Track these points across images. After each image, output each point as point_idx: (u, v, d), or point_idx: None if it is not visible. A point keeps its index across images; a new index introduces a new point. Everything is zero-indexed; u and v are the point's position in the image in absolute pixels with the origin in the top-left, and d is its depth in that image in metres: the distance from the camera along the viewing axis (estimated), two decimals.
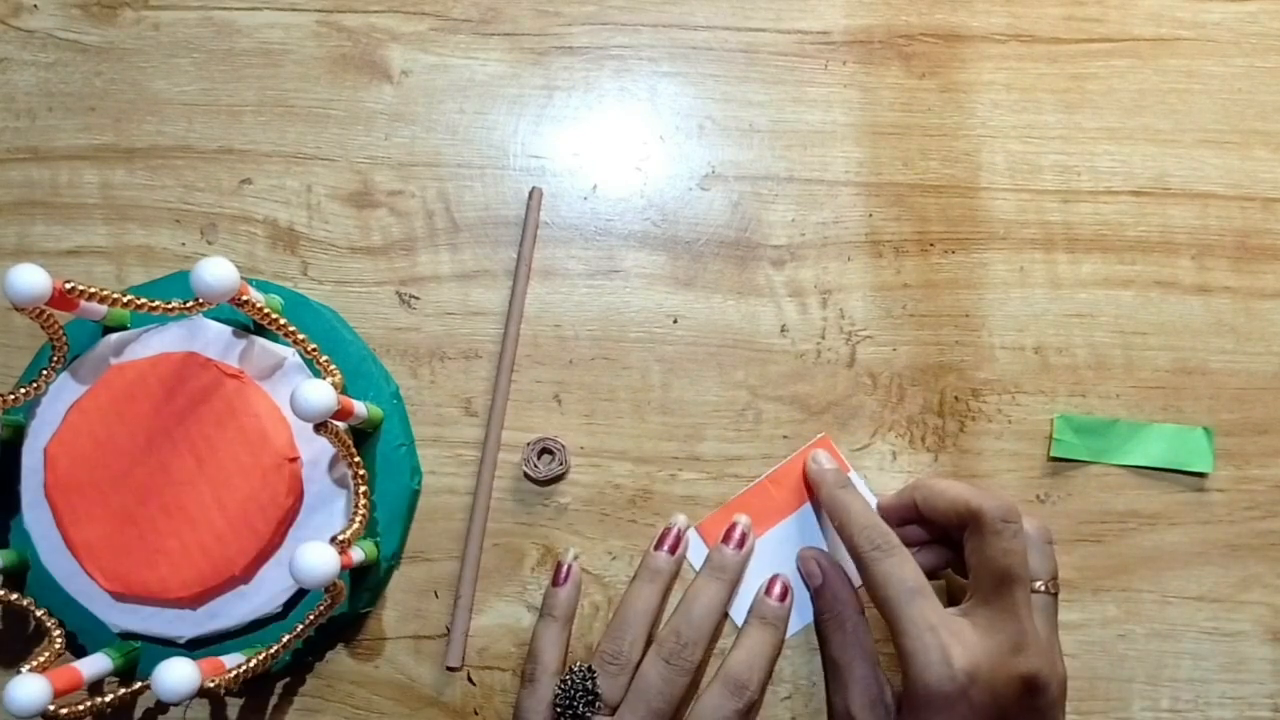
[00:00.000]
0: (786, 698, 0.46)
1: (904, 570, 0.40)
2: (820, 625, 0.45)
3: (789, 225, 0.50)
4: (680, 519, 0.46)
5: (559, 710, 0.42)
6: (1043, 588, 0.41)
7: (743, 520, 0.46)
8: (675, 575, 0.46)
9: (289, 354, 0.45)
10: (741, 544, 0.46)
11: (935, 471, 0.48)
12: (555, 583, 0.45)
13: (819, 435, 0.48)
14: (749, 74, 0.51)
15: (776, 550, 0.47)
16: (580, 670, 0.42)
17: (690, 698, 0.43)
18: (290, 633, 0.41)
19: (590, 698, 0.42)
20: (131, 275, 0.49)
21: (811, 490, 0.47)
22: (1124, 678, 0.46)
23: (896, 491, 0.46)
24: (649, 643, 0.44)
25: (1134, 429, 0.48)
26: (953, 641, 0.38)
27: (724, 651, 0.45)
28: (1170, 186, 0.50)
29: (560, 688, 0.42)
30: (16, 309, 0.39)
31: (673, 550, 0.45)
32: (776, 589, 0.45)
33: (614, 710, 0.42)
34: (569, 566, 0.46)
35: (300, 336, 0.43)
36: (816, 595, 0.45)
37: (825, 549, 0.47)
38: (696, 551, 0.47)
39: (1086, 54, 0.51)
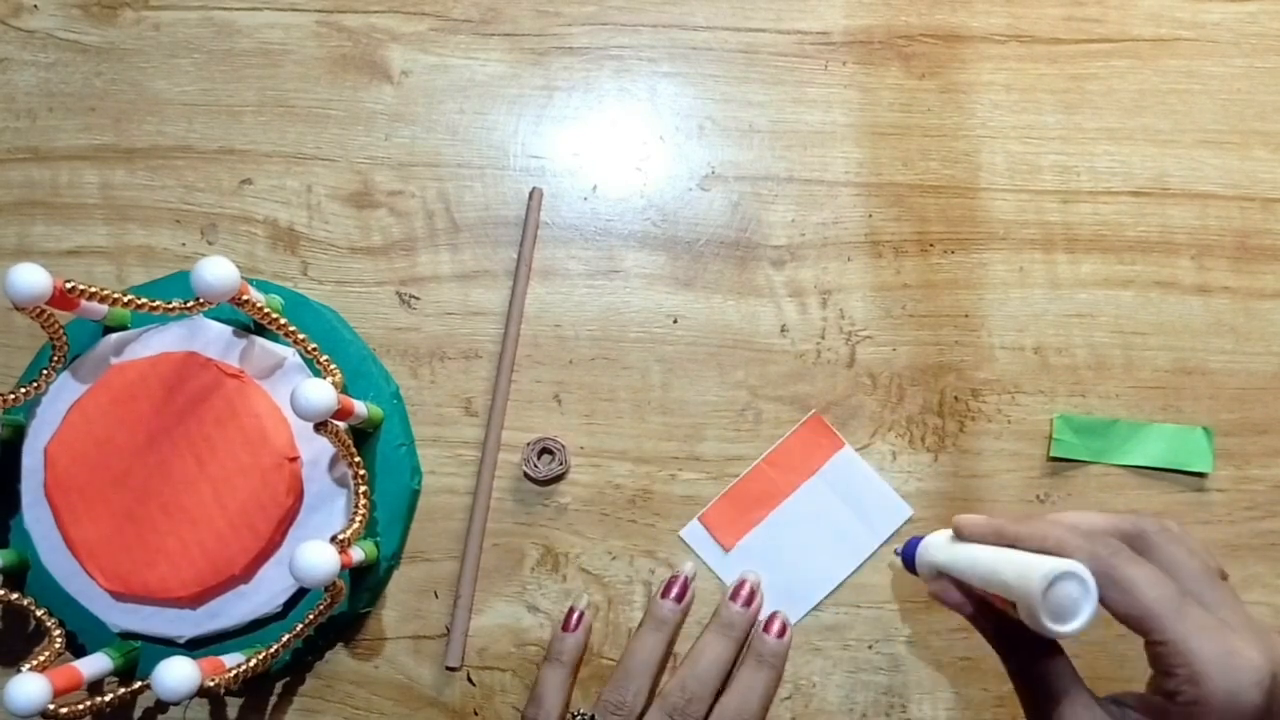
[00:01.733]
0: (787, 698, 0.46)
1: (1157, 573, 0.34)
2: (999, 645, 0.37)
3: (789, 225, 0.50)
4: (688, 567, 0.46)
5: None
6: (1222, 578, 0.36)
7: (751, 578, 0.46)
8: (680, 624, 0.46)
9: (289, 354, 0.45)
10: (749, 602, 0.45)
11: (936, 473, 0.48)
12: (565, 628, 0.45)
13: (810, 414, 0.48)
14: (749, 74, 0.51)
15: (777, 534, 0.47)
16: (581, 718, 0.42)
17: None
18: (290, 632, 0.41)
19: None
20: (132, 275, 0.49)
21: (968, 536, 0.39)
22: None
23: (995, 533, 0.38)
24: (653, 690, 0.44)
25: (1134, 429, 0.48)
26: (1244, 644, 0.32)
27: None
28: (1170, 187, 0.50)
29: None
30: (17, 308, 0.39)
31: (679, 599, 0.45)
32: (775, 626, 0.45)
33: None
34: (580, 614, 0.46)
35: (300, 336, 0.43)
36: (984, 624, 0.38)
37: (828, 531, 0.46)
38: (699, 542, 0.47)
39: (1086, 54, 0.51)
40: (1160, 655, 0.33)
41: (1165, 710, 0.33)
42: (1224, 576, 0.36)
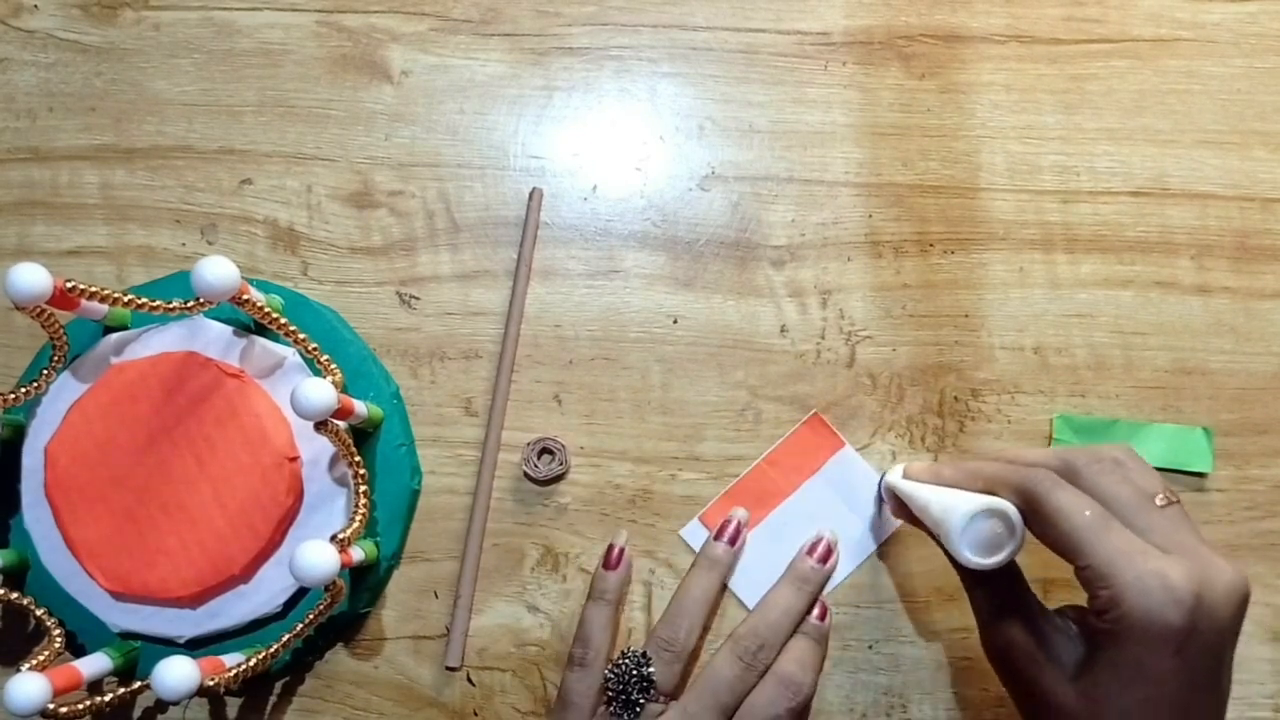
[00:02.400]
0: None
1: (1083, 500, 0.35)
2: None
3: (789, 225, 0.50)
4: (740, 512, 0.46)
5: (610, 695, 0.42)
6: (1163, 501, 0.36)
7: (828, 535, 0.46)
8: (733, 567, 0.46)
9: (289, 353, 0.45)
10: (825, 559, 0.45)
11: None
12: (607, 565, 0.45)
13: (811, 413, 0.48)
14: (749, 74, 0.51)
15: (779, 532, 0.47)
16: (635, 656, 0.42)
17: None
18: (290, 632, 0.41)
19: (645, 684, 0.41)
20: (132, 275, 0.49)
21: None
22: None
23: (932, 474, 0.42)
24: (704, 630, 0.44)
25: (1134, 429, 0.48)
26: (1167, 566, 0.33)
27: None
28: (1169, 187, 0.50)
29: (612, 672, 0.42)
30: (17, 308, 0.39)
31: (732, 542, 0.45)
32: (816, 610, 0.45)
33: (667, 697, 0.42)
34: (621, 549, 0.45)
35: (301, 336, 0.43)
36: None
37: (827, 527, 0.47)
38: (699, 541, 0.47)
39: (1086, 54, 0.51)
40: (1085, 579, 0.34)
41: (1094, 628, 0.35)
42: (1172, 501, 0.36)
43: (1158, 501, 0.36)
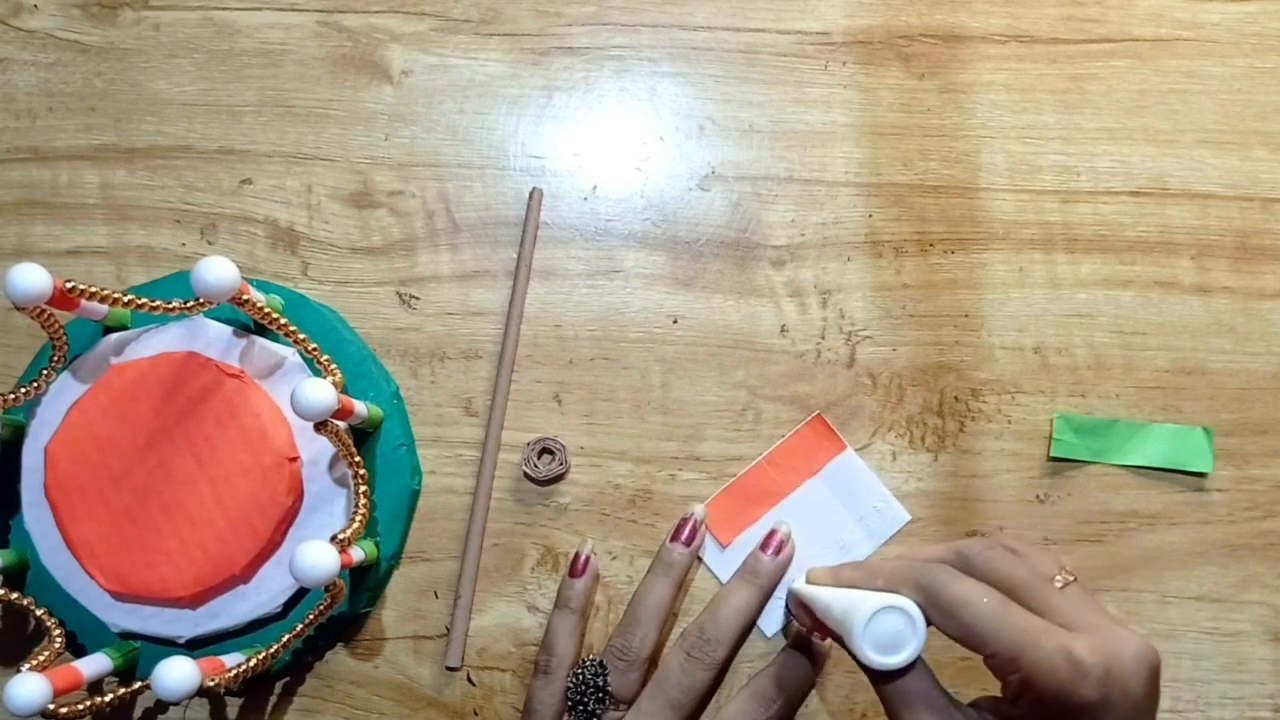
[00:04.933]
0: None
1: (980, 588, 0.35)
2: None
3: (789, 225, 0.50)
4: (698, 509, 0.46)
5: (570, 703, 0.42)
6: (1061, 582, 0.36)
7: (783, 529, 0.46)
8: (688, 569, 0.46)
9: (289, 354, 0.45)
10: (779, 551, 0.45)
11: (936, 473, 0.48)
12: (572, 574, 0.45)
13: (813, 414, 0.48)
14: (749, 74, 0.51)
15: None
16: (591, 665, 0.42)
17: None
18: (290, 632, 0.41)
19: (600, 694, 0.42)
20: (132, 275, 0.49)
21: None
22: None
23: (832, 570, 0.42)
24: (662, 638, 0.44)
25: (1134, 429, 0.48)
26: (1071, 641, 0.33)
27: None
28: (1170, 187, 0.50)
29: (572, 681, 0.42)
30: (17, 308, 0.39)
31: (688, 542, 0.45)
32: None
33: (625, 704, 0.42)
34: (586, 557, 0.45)
35: (301, 336, 0.43)
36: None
37: (826, 532, 0.46)
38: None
39: (1086, 54, 0.51)
40: (993, 666, 0.34)
41: (1009, 714, 0.34)
42: (1070, 580, 0.36)
43: (1056, 583, 0.35)
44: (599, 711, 0.42)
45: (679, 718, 0.41)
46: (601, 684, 0.42)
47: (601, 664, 0.42)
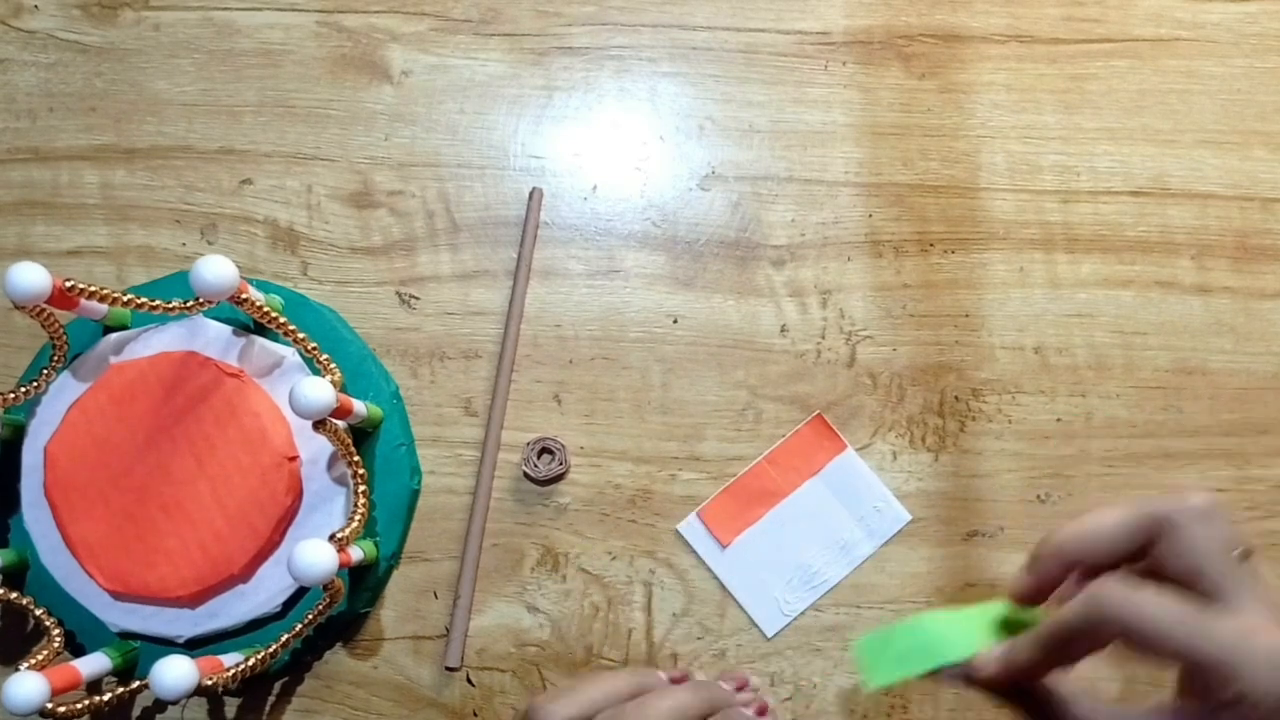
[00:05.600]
0: (788, 698, 0.46)
1: (1166, 595, 0.31)
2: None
3: (789, 225, 0.50)
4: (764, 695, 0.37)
5: None
6: (1241, 551, 0.32)
7: (755, 680, 0.36)
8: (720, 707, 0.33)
9: (289, 353, 0.45)
10: (741, 689, 0.36)
11: (937, 473, 0.47)
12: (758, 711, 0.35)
13: (814, 414, 0.48)
14: (749, 74, 0.51)
15: (775, 532, 0.47)
16: None
17: None
18: (289, 632, 0.41)
19: None
20: (132, 275, 0.49)
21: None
22: (1125, 678, 0.46)
23: (1026, 567, 0.34)
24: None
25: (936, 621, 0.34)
26: (1270, 632, 0.29)
27: None
28: (1170, 187, 0.50)
29: None
30: (17, 308, 0.39)
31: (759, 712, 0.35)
32: (756, 705, 0.35)
33: None
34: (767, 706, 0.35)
35: (300, 335, 0.43)
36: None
37: (825, 532, 0.46)
38: (696, 538, 0.47)
39: (1086, 54, 0.51)
40: (1199, 682, 0.30)
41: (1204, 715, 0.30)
42: (1247, 555, 0.32)
43: (1236, 554, 0.32)
44: None
45: None
46: None
47: None
